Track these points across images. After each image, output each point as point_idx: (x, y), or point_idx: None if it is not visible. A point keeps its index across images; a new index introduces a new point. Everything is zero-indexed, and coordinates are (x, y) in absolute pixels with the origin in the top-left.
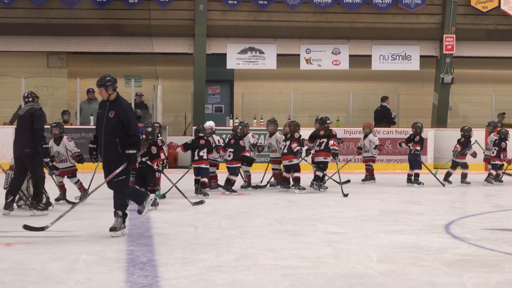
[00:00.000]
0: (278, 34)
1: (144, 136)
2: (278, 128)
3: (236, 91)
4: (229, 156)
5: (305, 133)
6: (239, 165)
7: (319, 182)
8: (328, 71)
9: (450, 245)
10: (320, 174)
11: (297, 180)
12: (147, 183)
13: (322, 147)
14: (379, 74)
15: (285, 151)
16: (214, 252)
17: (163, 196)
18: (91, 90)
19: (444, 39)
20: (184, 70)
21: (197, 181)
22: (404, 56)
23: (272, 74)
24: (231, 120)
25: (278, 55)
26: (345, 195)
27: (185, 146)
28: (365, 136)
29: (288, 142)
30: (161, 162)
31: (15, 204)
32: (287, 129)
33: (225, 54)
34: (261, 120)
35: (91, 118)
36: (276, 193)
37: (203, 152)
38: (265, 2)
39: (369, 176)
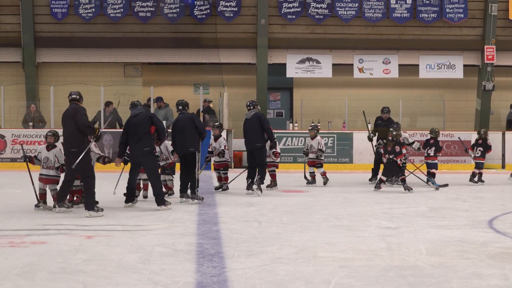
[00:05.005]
0: (333, 46)
1: (389, 138)
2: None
3: (295, 97)
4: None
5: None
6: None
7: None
8: (379, 79)
9: (494, 239)
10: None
11: (433, 175)
12: (393, 174)
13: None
14: (426, 81)
15: (431, 153)
16: (276, 245)
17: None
18: (160, 98)
19: (485, 50)
20: (247, 79)
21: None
22: (448, 65)
23: (328, 82)
24: (291, 124)
25: (333, 64)
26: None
27: None
28: None
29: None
30: (403, 158)
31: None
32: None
33: (285, 64)
34: (319, 124)
35: (164, 122)
36: (332, 191)
37: None
38: (321, 17)
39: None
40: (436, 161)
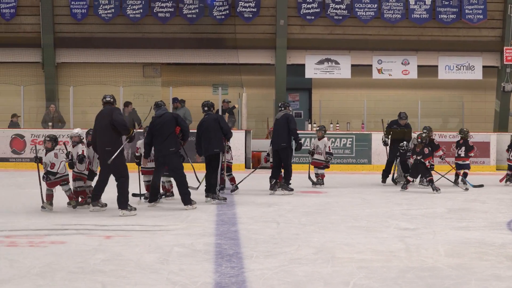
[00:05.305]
0: (352, 46)
1: (419, 140)
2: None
3: (314, 98)
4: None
5: (380, 137)
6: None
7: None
8: (398, 80)
9: None
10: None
11: (465, 175)
12: (421, 175)
13: None
14: (445, 82)
15: (462, 154)
16: (294, 245)
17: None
18: (176, 99)
19: (504, 51)
20: (266, 79)
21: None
22: (468, 66)
23: (346, 82)
24: (309, 125)
25: (352, 65)
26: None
27: None
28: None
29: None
30: (431, 161)
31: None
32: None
33: (303, 65)
34: (337, 125)
35: None
36: (351, 192)
37: None
38: (340, 17)
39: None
40: (467, 162)
